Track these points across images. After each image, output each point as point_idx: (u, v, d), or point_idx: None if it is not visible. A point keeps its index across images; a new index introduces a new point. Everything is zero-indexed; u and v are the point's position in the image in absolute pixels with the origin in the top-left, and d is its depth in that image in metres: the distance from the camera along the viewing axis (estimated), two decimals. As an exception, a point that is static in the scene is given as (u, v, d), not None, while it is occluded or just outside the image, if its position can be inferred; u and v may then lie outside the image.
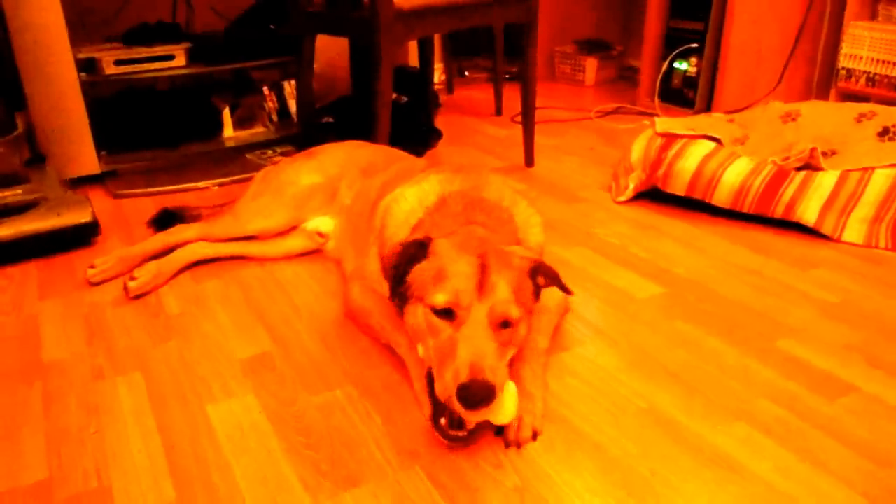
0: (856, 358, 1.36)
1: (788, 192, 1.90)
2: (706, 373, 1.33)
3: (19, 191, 1.93)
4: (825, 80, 3.14)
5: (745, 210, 1.97)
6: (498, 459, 1.12)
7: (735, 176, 1.95)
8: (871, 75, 2.87)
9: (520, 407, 1.17)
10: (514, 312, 1.14)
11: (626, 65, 4.01)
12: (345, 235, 1.76)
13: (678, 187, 2.06)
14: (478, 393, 1.02)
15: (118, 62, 2.42)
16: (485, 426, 1.14)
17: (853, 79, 2.93)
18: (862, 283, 1.66)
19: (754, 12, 2.91)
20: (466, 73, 4.09)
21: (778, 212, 1.93)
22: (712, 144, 2.05)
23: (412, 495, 1.05)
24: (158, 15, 2.72)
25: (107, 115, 2.48)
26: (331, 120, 2.70)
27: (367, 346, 1.44)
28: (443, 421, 1.11)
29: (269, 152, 2.70)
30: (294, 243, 1.85)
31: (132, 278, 1.65)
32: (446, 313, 1.13)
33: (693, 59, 3.07)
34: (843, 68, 2.96)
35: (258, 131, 2.82)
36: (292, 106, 2.85)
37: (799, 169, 1.94)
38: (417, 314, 1.19)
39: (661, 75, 3.19)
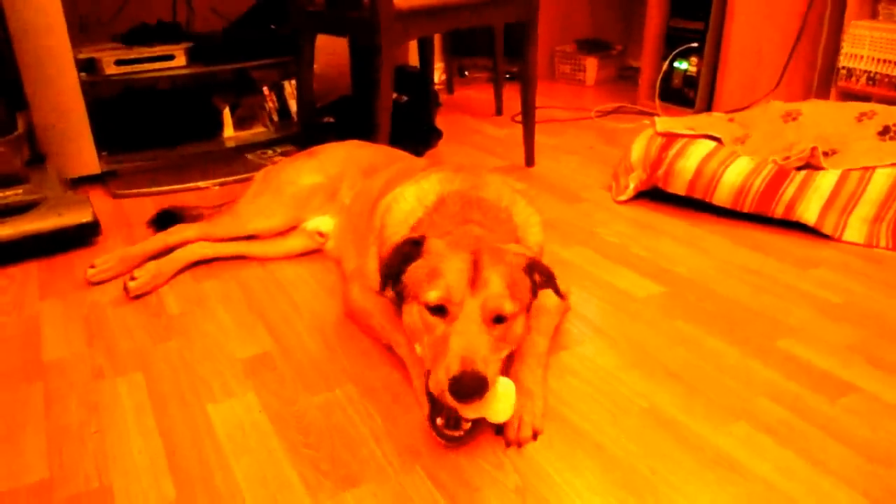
0: (856, 358, 1.36)
1: (789, 191, 1.90)
2: (707, 372, 1.33)
3: (20, 191, 1.93)
4: (826, 79, 3.14)
5: (745, 210, 1.97)
6: (498, 459, 1.12)
7: (735, 175, 1.95)
8: (871, 75, 2.87)
9: (520, 406, 1.17)
10: (508, 306, 1.14)
11: (626, 64, 4.01)
12: (345, 235, 1.76)
13: (678, 187, 2.06)
14: (468, 384, 1.02)
15: (118, 62, 2.42)
16: (483, 425, 1.14)
17: (854, 78, 2.93)
18: (863, 282, 1.66)
19: (755, 12, 2.91)
20: (466, 73, 4.09)
21: (778, 211, 1.93)
22: (713, 144, 2.05)
23: (413, 495, 1.05)
24: (158, 15, 2.72)
25: (107, 115, 2.48)
26: (331, 120, 2.70)
27: (367, 345, 1.44)
28: (439, 421, 1.12)
29: (270, 152, 2.70)
30: (294, 243, 1.85)
31: (132, 278, 1.65)
32: (439, 310, 1.14)
33: (693, 59, 3.07)
34: (843, 68, 2.96)
35: (258, 131, 2.82)
36: (292, 106, 2.85)
37: (799, 168, 1.94)
38: (413, 313, 1.19)
39: (661, 75, 3.18)
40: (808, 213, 1.89)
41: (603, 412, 1.22)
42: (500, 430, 1.16)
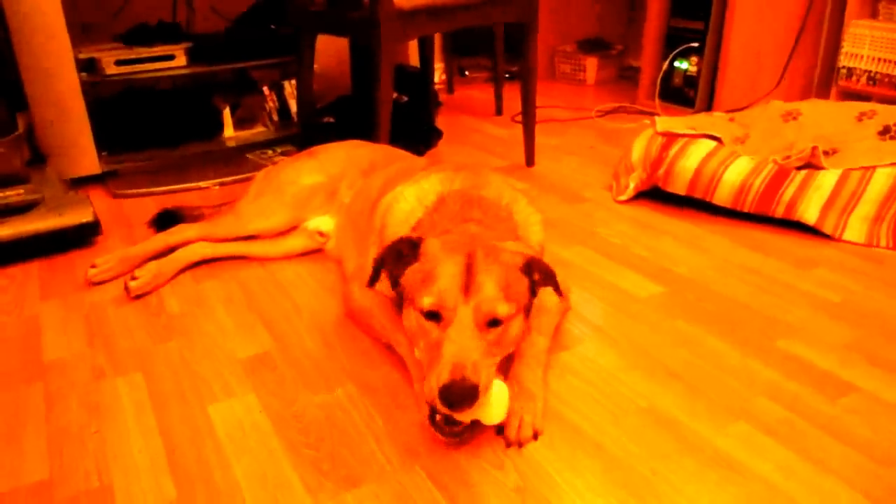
0: (857, 357, 1.36)
1: (789, 191, 1.90)
2: (707, 372, 1.33)
3: (20, 191, 1.93)
4: (826, 78, 3.14)
5: (745, 209, 1.97)
6: (499, 459, 1.12)
7: (736, 175, 1.95)
8: (871, 74, 2.86)
9: (520, 406, 1.17)
10: (502, 310, 1.13)
11: (626, 64, 4.01)
12: (345, 235, 1.76)
13: (679, 187, 2.05)
14: (458, 393, 1.02)
15: (119, 62, 2.43)
16: (484, 425, 1.14)
17: (854, 78, 2.93)
18: (863, 282, 1.66)
19: (755, 11, 2.91)
20: (467, 73, 4.09)
21: (779, 211, 1.93)
22: (713, 144, 2.05)
23: (413, 495, 1.05)
24: (159, 15, 2.72)
25: (107, 115, 2.48)
26: (331, 120, 2.70)
27: (367, 345, 1.44)
28: (439, 418, 1.11)
29: (270, 152, 2.70)
30: (295, 243, 1.85)
31: (133, 278, 1.65)
32: (434, 315, 1.14)
33: (693, 59, 3.07)
34: (843, 67, 2.96)
35: (259, 131, 2.82)
36: (293, 106, 2.85)
37: (800, 168, 1.94)
38: (411, 317, 1.19)
39: (661, 74, 3.18)
40: (809, 212, 1.89)
41: (603, 412, 1.22)
42: (500, 430, 1.16)
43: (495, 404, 1.10)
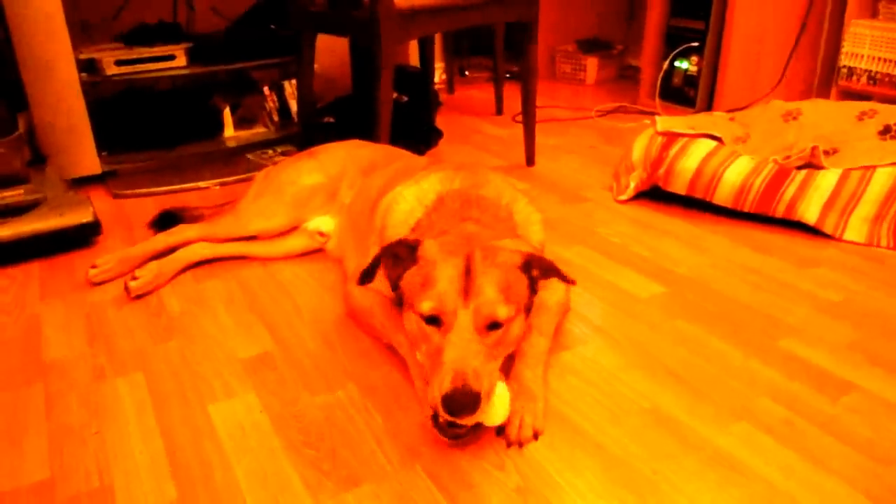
0: (857, 357, 1.36)
1: (789, 191, 1.90)
2: (708, 372, 1.33)
3: (21, 191, 1.93)
4: (826, 78, 3.14)
5: (746, 209, 1.97)
6: (499, 459, 1.12)
7: (736, 175, 1.95)
8: (872, 74, 2.86)
9: (521, 406, 1.17)
10: (502, 312, 1.13)
11: (626, 64, 4.00)
12: (346, 235, 1.76)
13: (679, 186, 2.05)
14: (460, 401, 1.02)
15: (119, 62, 2.43)
16: (483, 426, 1.14)
17: (854, 77, 2.93)
18: (863, 282, 1.66)
19: (755, 11, 2.91)
20: (467, 73, 4.09)
21: (779, 211, 1.93)
22: (713, 143, 2.05)
23: (413, 495, 1.05)
24: (159, 15, 2.72)
25: (108, 115, 2.49)
26: (331, 120, 2.69)
27: (368, 345, 1.44)
28: (441, 420, 1.11)
29: (270, 152, 2.70)
30: (295, 243, 1.85)
31: (133, 278, 1.65)
32: (434, 320, 1.13)
33: (694, 58, 3.07)
34: (844, 67, 2.96)
35: (259, 131, 2.82)
36: (293, 106, 2.85)
37: (800, 168, 1.94)
38: (411, 321, 1.19)
39: (661, 74, 3.18)
40: (809, 212, 1.89)
41: (604, 412, 1.22)
42: (501, 430, 1.16)
43: (497, 405, 1.10)
